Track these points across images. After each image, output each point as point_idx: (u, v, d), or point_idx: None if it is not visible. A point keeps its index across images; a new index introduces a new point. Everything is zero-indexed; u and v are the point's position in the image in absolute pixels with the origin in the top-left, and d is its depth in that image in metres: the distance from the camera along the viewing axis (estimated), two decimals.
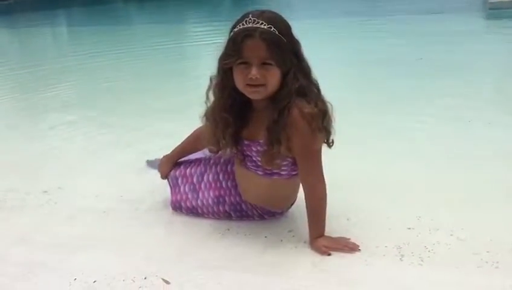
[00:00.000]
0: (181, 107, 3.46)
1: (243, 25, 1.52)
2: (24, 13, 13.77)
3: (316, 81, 1.65)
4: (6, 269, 1.70)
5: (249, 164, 1.75)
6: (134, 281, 1.57)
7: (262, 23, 1.50)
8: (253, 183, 1.80)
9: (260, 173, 1.74)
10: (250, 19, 1.52)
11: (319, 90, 1.64)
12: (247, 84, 1.56)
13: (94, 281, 1.58)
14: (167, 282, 1.56)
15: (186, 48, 6.94)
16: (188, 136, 2.04)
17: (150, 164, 2.45)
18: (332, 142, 1.67)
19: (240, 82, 1.58)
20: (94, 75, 5.22)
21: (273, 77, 1.55)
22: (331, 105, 1.63)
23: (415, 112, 3.15)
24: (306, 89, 1.58)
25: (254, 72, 1.52)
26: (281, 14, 1.59)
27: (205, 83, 1.72)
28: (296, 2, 11.50)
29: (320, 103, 1.60)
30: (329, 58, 4.70)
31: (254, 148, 1.70)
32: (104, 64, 5.72)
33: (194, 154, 2.06)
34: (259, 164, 1.71)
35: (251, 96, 1.61)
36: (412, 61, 4.75)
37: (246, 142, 1.72)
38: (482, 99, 3.36)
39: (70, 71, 5.54)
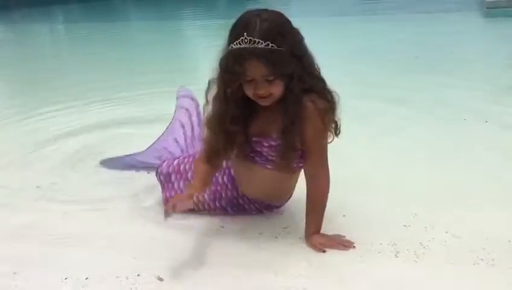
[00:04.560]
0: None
1: (239, 44, 1.46)
2: (20, 9, 13.71)
3: (319, 71, 1.62)
4: None
5: (257, 158, 1.71)
6: (127, 278, 1.56)
7: (258, 42, 1.45)
8: (258, 177, 1.76)
9: (269, 166, 1.71)
10: (245, 38, 1.45)
11: (324, 82, 1.62)
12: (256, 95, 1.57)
13: (86, 278, 1.57)
14: (161, 279, 1.55)
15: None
16: (200, 167, 1.79)
17: (106, 163, 2.45)
18: (340, 131, 1.66)
19: (249, 94, 1.57)
20: (89, 70, 5.19)
21: (277, 89, 1.55)
22: (337, 94, 1.62)
23: (412, 111, 3.14)
24: (313, 86, 1.58)
25: (260, 90, 1.53)
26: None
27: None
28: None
29: (329, 96, 1.60)
30: (326, 56, 4.68)
31: (266, 144, 1.67)
32: (98, 57, 5.68)
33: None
34: (269, 158, 1.68)
35: (262, 104, 1.61)
36: (409, 59, 4.74)
37: (254, 139, 1.68)
38: (478, 97, 3.35)
39: (63, 66, 5.50)
